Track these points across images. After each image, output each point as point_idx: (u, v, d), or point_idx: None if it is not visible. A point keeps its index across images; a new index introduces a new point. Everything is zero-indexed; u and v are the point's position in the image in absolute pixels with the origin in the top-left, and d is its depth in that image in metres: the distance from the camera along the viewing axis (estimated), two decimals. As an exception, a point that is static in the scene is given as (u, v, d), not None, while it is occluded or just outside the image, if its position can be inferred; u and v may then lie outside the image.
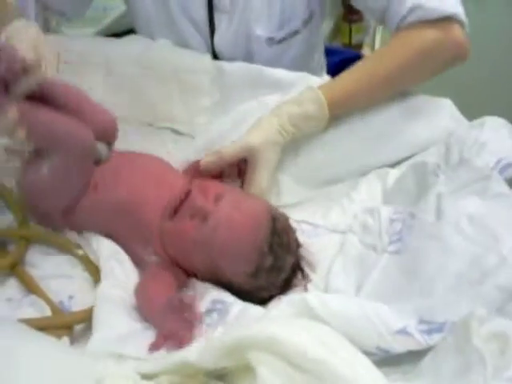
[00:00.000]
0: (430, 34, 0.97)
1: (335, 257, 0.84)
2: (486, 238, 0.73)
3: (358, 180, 0.97)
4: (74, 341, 0.74)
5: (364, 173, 0.98)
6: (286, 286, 0.80)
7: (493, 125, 0.93)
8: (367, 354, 0.61)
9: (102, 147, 0.90)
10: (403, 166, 0.96)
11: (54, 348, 0.58)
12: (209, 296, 0.78)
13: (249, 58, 1.12)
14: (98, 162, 0.89)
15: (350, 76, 0.98)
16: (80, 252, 0.86)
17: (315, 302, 0.65)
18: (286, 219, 0.84)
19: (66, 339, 0.71)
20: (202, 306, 0.77)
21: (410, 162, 0.96)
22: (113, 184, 0.86)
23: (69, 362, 0.54)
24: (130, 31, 1.22)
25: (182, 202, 0.82)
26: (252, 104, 1.01)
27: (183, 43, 1.12)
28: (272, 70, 1.08)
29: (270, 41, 1.14)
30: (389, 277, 0.76)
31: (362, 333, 0.64)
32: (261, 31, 1.12)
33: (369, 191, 0.95)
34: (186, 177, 0.90)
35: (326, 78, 1.08)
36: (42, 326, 0.71)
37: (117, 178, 0.87)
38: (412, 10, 0.98)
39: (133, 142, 1.01)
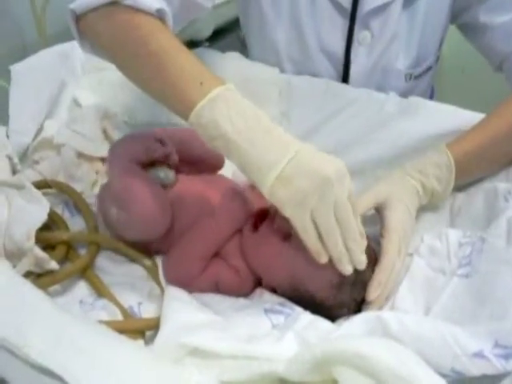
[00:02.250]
0: None
1: (400, 279, 0.84)
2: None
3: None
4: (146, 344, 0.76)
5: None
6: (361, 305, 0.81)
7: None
8: (441, 375, 0.61)
9: (166, 172, 0.90)
10: (471, 190, 0.96)
11: (142, 354, 0.59)
12: (277, 298, 0.80)
13: (380, 91, 1.12)
14: (164, 186, 0.89)
15: (475, 132, 0.97)
16: (148, 262, 0.88)
17: (391, 320, 0.65)
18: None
19: (141, 342, 0.72)
20: (268, 302, 0.79)
21: (478, 185, 0.96)
22: (182, 206, 0.88)
23: (157, 369, 0.55)
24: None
25: (262, 217, 0.83)
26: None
27: (314, 73, 1.14)
28: (337, 84, 1.11)
29: (409, 76, 1.16)
30: (459, 300, 0.76)
31: (438, 354, 0.63)
32: (400, 66, 1.14)
33: (435, 214, 0.95)
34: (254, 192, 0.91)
35: (392, 94, 1.09)
36: (117, 328, 0.72)
37: (186, 200, 0.88)
38: None
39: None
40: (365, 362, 0.50)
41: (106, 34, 0.84)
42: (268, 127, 0.73)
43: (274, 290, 0.83)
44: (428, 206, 0.94)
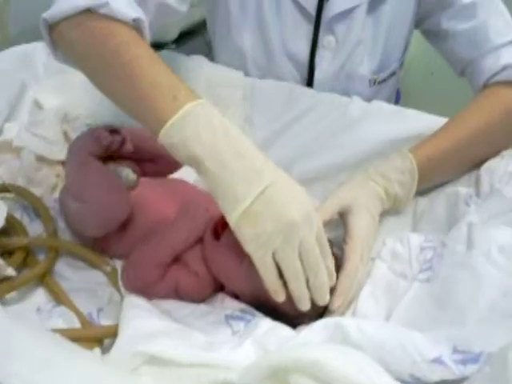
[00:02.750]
0: None
1: (363, 283, 0.84)
2: (517, 269, 0.73)
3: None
4: (103, 353, 0.74)
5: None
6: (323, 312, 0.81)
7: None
8: (400, 381, 0.61)
9: (128, 173, 0.89)
10: (433, 194, 0.96)
11: (96, 365, 0.57)
12: (238, 304, 0.79)
13: (345, 96, 1.11)
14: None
15: (438, 137, 0.97)
16: (108, 268, 0.86)
17: (350, 326, 0.64)
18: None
19: (97, 351, 0.71)
20: (229, 308, 0.78)
21: (440, 190, 0.96)
22: (141, 210, 0.86)
23: (110, 381, 0.54)
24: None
25: (224, 224, 0.82)
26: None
27: (279, 78, 1.13)
28: (302, 88, 1.11)
29: (373, 81, 1.16)
30: (419, 305, 0.76)
31: (397, 360, 0.63)
32: (364, 71, 1.14)
33: (397, 218, 0.95)
34: None
35: (356, 98, 1.09)
36: (73, 337, 0.70)
37: (146, 204, 0.87)
38: (505, 68, 1.00)
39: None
40: (320, 370, 0.49)
41: (79, 43, 0.82)
42: (241, 150, 0.71)
43: (236, 296, 0.82)
44: (390, 210, 0.95)
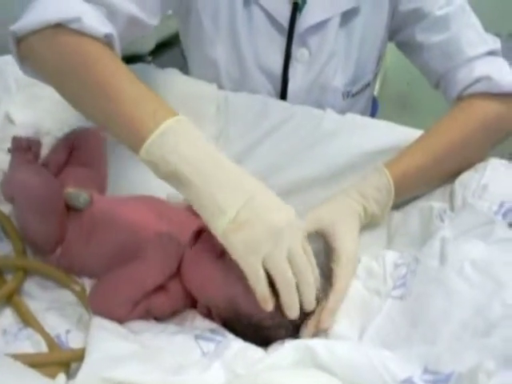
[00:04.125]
0: (493, 107, 0.99)
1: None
2: (490, 285, 0.72)
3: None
4: (69, 378, 0.72)
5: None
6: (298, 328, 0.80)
7: (495, 167, 0.94)
8: (371, 403, 0.60)
9: (79, 195, 0.87)
10: (407, 208, 0.96)
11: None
12: (209, 324, 0.78)
13: (319, 108, 1.11)
14: (79, 209, 0.87)
15: (414, 152, 0.97)
16: (77, 288, 0.84)
17: (321, 349, 0.63)
18: None
19: (62, 376, 0.69)
20: (199, 328, 0.77)
21: (414, 204, 0.96)
22: (108, 227, 0.85)
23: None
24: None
25: (197, 236, 0.81)
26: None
27: (252, 91, 1.13)
28: (276, 101, 1.11)
29: (347, 94, 1.16)
30: (392, 322, 0.75)
31: (367, 381, 0.62)
32: (337, 83, 1.14)
33: (371, 234, 0.94)
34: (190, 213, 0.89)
35: (329, 111, 1.09)
36: (37, 362, 0.69)
37: (112, 221, 0.86)
38: (478, 80, 1.00)
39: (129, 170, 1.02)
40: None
41: (49, 58, 0.80)
42: (222, 163, 0.72)
43: (209, 312, 0.81)
44: (364, 227, 0.94)
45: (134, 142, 0.72)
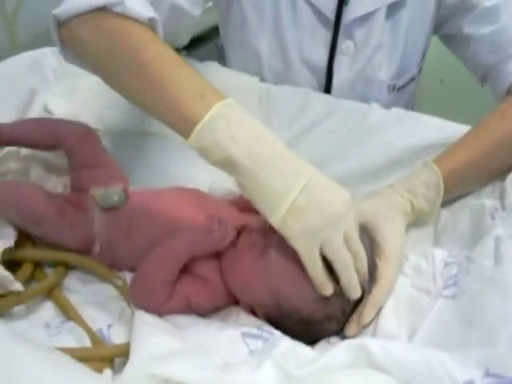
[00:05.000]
0: None
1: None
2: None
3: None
4: (114, 373, 0.71)
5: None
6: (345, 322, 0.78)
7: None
8: (429, 406, 0.57)
9: (112, 193, 0.85)
10: (456, 207, 0.93)
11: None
12: (255, 321, 0.76)
13: (363, 102, 1.09)
14: (114, 208, 0.85)
15: (463, 148, 0.94)
16: (119, 282, 0.83)
17: (376, 348, 0.61)
18: None
19: (108, 372, 0.68)
20: (245, 325, 0.75)
21: (463, 202, 0.93)
22: (146, 220, 0.83)
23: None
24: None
25: (240, 231, 0.79)
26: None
27: (295, 84, 1.11)
28: (319, 94, 1.09)
29: (392, 87, 1.14)
30: (445, 323, 0.73)
31: (424, 382, 0.60)
32: (383, 76, 1.12)
33: (419, 232, 0.92)
34: (234, 207, 0.87)
35: (374, 105, 1.06)
36: (83, 357, 0.67)
37: (149, 214, 0.84)
38: None
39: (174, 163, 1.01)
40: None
41: (92, 42, 0.79)
42: (275, 147, 0.70)
43: (252, 310, 0.79)
44: (412, 224, 0.91)
45: (183, 127, 0.70)
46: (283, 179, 0.69)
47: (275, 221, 0.69)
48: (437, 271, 0.80)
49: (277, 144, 0.71)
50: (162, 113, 0.74)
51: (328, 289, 0.72)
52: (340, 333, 0.79)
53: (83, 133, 0.90)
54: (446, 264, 0.80)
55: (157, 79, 0.73)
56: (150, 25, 0.80)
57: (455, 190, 0.93)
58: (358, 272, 0.73)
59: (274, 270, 0.75)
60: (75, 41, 0.81)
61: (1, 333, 0.57)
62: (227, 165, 0.69)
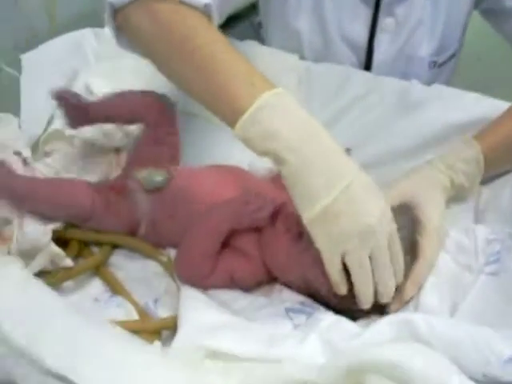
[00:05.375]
0: None
1: (426, 274, 0.81)
2: None
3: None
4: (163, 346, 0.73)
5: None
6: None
7: None
8: (473, 380, 0.58)
9: (157, 174, 0.87)
10: (497, 184, 0.93)
11: (159, 359, 0.56)
12: (297, 296, 0.77)
13: (404, 79, 1.08)
14: (157, 189, 0.86)
15: (503, 124, 0.93)
16: (164, 258, 0.85)
17: (420, 323, 0.62)
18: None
19: (158, 344, 0.70)
20: (288, 301, 0.76)
21: (505, 179, 0.92)
22: (190, 199, 0.85)
23: (176, 376, 0.53)
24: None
25: (278, 210, 0.80)
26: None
27: (335, 61, 1.10)
28: (359, 71, 1.08)
29: (433, 64, 1.13)
30: (487, 299, 0.73)
31: (469, 359, 0.60)
32: (423, 53, 1.11)
33: (461, 208, 0.92)
34: (274, 185, 0.88)
35: (415, 82, 1.05)
36: (133, 329, 0.69)
37: (193, 193, 0.85)
38: None
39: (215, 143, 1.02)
40: (398, 371, 0.48)
41: (146, 28, 0.79)
42: (322, 144, 0.69)
43: (292, 286, 0.80)
44: (452, 200, 0.91)
45: (230, 116, 0.70)
46: (322, 181, 0.67)
47: (305, 219, 0.69)
48: (479, 248, 0.80)
49: (323, 139, 0.70)
50: (210, 101, 0.74)
51: (342, 289, 0.72)
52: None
53: (162, 108, 0.92)
54: (489, 241, 0.80)
55: (206, 67, 0.73)
56: (205, 11, 0.80)
57: (496, 166, 0.92)
58: (380, 291, 0.72)
59: (304, 258, 0.75)
60: (130, 26, 0.82)
61: (59, 305, 0.60)
62: (270, 157, 0.69)
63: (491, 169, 0.91)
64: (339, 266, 0.70)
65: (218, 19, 0.83)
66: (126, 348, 0.56)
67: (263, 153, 0.70)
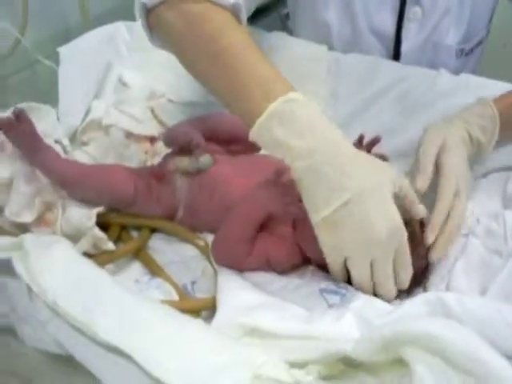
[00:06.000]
0: None
1: (456, 259, 0.83)
2: None
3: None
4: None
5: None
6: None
7: None
8: (504, 357, 0.60)
9: (201, 157, 0.90)
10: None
11: (208, 333, 0.59)
12: (331, 279, 0.80)
13: (432, 68, 1.11)
14: (199, 171, 0.90)
15: None
16: (201, 242, 0.88)
17: (453, 301, 0.64)
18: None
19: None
20: (322, 282, 0.79)
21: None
22: (228, 188, 0.88)
23: (224, 347, 0.56)
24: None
25: None
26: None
27: (363, 52, 1.13)
28: (387, 61, 1.10)
29: (460, 52, 1.15)
30: (516, 281, 0.75)
31: (501, 336, 0.62)
32: (451, 41, 1.13)
33: (489, 194, 0.93)
34: None
35: (443, 71, 1.07)
36: (174, 308, 0.73)
37: (231, 182, 0.89)
38: None
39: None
40: (435, 342, 0.49)
41: (176, 27, 0.82)
42: (331, 151, 0.71)
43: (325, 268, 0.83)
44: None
45: (248, 116, 0.73)
46: (326, 191, 0.70)
47: (312, 221, 0.73)
48: (508, 233, 0.82)
49: (334, 145, 0.71)
50: (230, 102, 0.77)
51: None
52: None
53: None
54: (518, 226, 0.82)
55: (229, 68, 0.75)
56: (233, 10, 0.82)
57: None
58: (379, 294, 0.76)
59: None
60: (162, 26, 0.84)
61: (109, 281, 0.63)
62: (285, 159, 0.72)
63: (508, 127, 0.93)
64: (340, 267, 0.75)
65: (246, 16, 0.86)
66: (176, 320, 0.59)
67: (276, 155, 0.73)
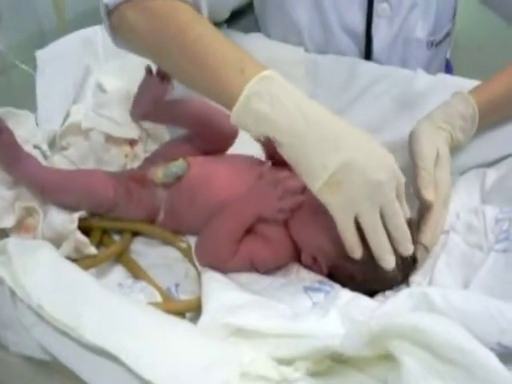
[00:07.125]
0: None
1: (437, 255, 0.84)
2: None
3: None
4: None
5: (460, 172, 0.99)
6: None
7: None
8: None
9: (174, 166, 0.90)
10: (501, 166, 0.95)
11: (194, 333, 0.59)
12: (315, 276, 0.81)
13: (404, 62, 1.13)
14: (177, 177, 0.90)
15: (498, 80, 0.97)
16: (183, 244, 0.88)
17: (437, 296, 0.65)
18: None
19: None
20: (306, 280, 0.79)
21: (510, 161, 0.95)
22: (208, 188, 0.88)
23: (212, 345, 0.56)
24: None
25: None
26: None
27: (336, 52, 1.13)
28: (364, 62, 1.11)
29: (430, 43, 1.16)
30: (497, 275, 0.76)
31: (484, 328, 0.63)
32: (420, 34, 1.14)
33: (468, 191, 0.94)
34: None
35: (420, 71, 1.08)
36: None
37: (215, 180, 0.89)
38: None
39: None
40: (422, 336, 0.50)
41: (141, 24, 0.82)
42: (315, 119, 0.71)
43: (314, 262, 0.82)
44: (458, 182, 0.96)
45: (226, 100, 0.73)
46: (322, 154, 0.70)
47: (313, 191, 0.72)
48: (488, 227, 0.83)
49: (320, 115, 0.72)
50: (206, 91, 0.78)
51: (357, 252, 0.75)
52: (394, 287, 0.83)
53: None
54: (497, 220, 0.83)
55: (200, 58, 0.76)
56: (194, 3, 0.84)
57: (490, 119, 0.97)
58: (398, 243, 0.75)
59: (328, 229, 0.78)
60: (126, 25, 0.85)
61: (93, 284, 0.62)
62: (269, 136, 0.72)
63: (485, 122, 0.96)
64: (352, 229, 0.73)
65: (206, 12, 0.87)
66: (163, 321, 0.59)
67: (260, 136, 0.73)
